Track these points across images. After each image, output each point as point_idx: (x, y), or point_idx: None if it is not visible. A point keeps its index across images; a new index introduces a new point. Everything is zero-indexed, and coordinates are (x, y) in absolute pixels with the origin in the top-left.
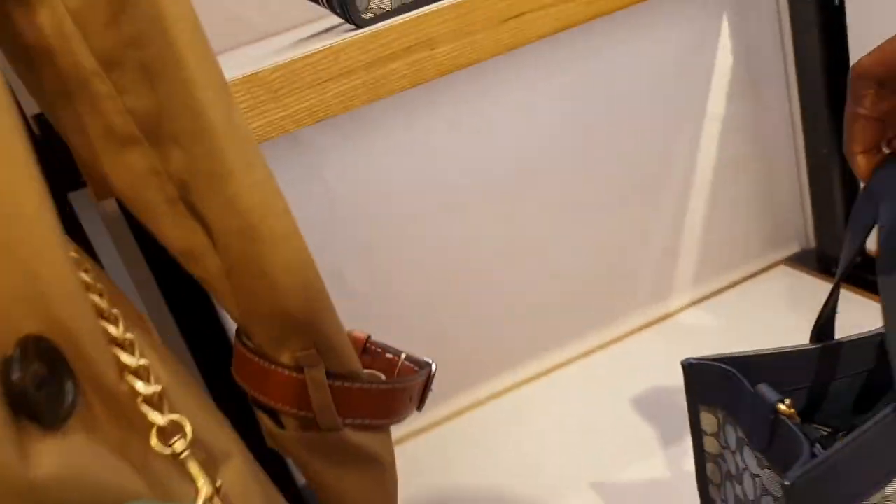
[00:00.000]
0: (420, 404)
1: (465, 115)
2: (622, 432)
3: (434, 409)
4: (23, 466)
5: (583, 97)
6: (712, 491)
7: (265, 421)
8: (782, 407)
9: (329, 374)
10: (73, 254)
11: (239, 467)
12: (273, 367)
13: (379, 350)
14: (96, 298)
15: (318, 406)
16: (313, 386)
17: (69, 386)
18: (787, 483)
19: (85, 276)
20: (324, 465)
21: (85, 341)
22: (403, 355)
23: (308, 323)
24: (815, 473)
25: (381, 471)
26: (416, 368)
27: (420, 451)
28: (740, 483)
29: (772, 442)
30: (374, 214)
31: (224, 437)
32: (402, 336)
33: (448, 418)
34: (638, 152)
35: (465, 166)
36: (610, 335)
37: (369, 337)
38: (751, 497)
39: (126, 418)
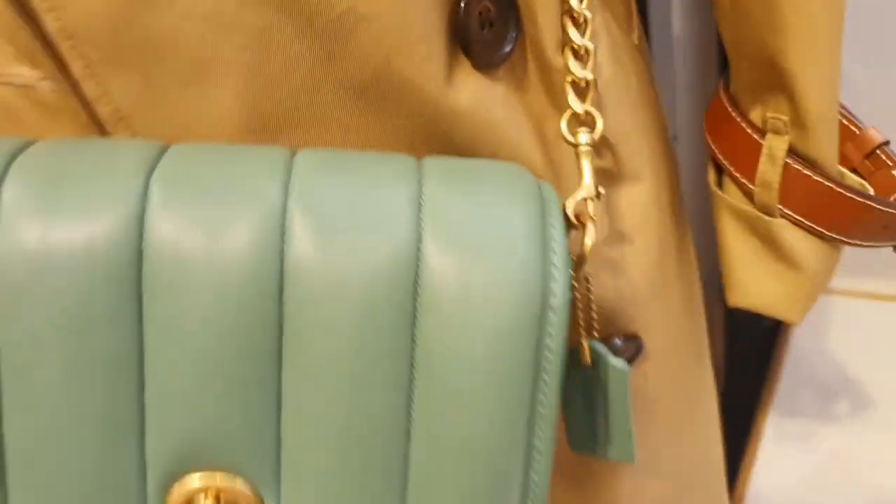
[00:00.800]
0: None
1: None
2: None
3: None
4: (445, 88)
5: None
6: None
7: (710, 169)
8: None
9: (792, 152)
10: None
11: (641, 196)
12: (737, 117)
13: (891, 163)
14: None
15: (760, 179)
16: (766, 156)
17: (510, 37)
18: None
19: None
20: (739, 241)
21: (539, 4)
22: None
23: (790, 84)
24: None
25: (797, 282)
26: None
27: None
28: None
29: None
30: None
31: (644, 159)
32: None
33: None
34: None
35: None
36: None
37: (886, 143)
38: None
39: (548, 91)
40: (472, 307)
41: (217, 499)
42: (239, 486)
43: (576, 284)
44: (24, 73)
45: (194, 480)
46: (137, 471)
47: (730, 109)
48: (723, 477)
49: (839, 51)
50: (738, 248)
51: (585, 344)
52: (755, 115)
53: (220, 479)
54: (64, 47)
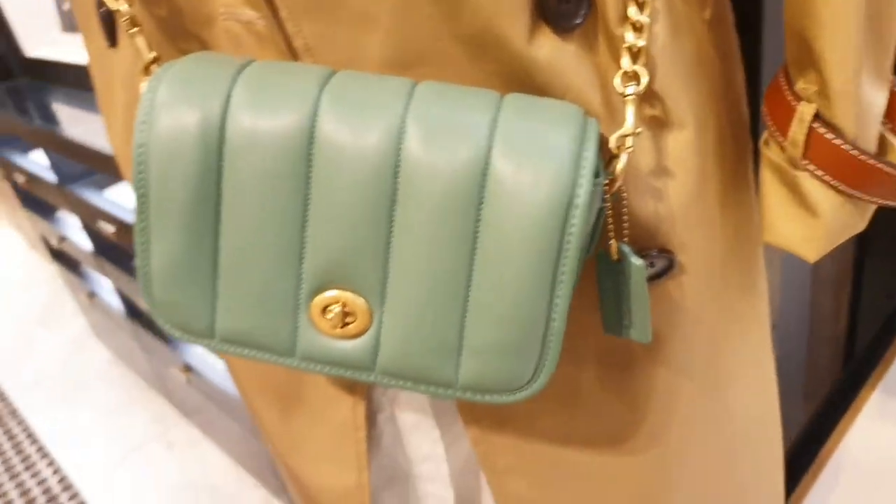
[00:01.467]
0: None
1: None
2: None
3: None
4: (528, 45)
5: None
6: None
7: (764, 131)
8: None
9: (818, 118)
10: None
11: (684, 140)
12: (784, 86)
13: None
14: None
15: (791, 138)
16: (797, 119)
17: (582, 12)
18: None
19: None
20: (773, 189)
21: None
22: None
23: (818, 62)
24: None
25: (814, 226)
26: None
27: None
28: None
29: None
30: None
31: (689, 111)
32: None
33: None
34: None
35: None
36: None
37: None
38: None
39: (611, 53)
40: (520, 196)
41: (343, 307)
42: (358, 301)
43: (608, 197)
44: (248, 13)
45: (330, 294)
46: (295, 281)
47: (781, 80)
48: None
49: (860, 37)
50: (772, 195)
51: (614, 244)
52: (798, 86)
53: (346, 295)
54: (277, 2)
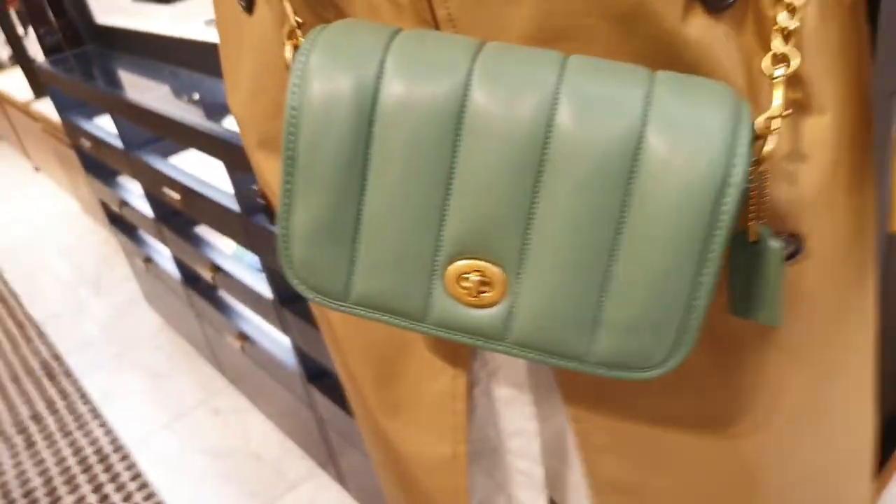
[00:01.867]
0: None
1: None
2: None
3: None
4: (681, 24)
5: None
6: None
7: None
8: None
9: None
10: None
11: (823, 125)
12: None
13: None
14: None
15: None
16: None
17: None
18: None
19: None
20: None
21: None
22: None
23: None
24: None
25: None
26: None
27: None
28: None
29: None
30: None
31: (830, 96)
32: None
33: None
34: None
35: None
36: None
37: None
38: None
39: (760, 34)
40: (674, 173)
41: (481, 276)
42: (496, 270)
43: (752, 178)
44: None
45: (467, 262)
46: (434, 247)
47: None
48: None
49: None
50: None
51: (754, 225)
52: None
53: (484, 264)
54: None
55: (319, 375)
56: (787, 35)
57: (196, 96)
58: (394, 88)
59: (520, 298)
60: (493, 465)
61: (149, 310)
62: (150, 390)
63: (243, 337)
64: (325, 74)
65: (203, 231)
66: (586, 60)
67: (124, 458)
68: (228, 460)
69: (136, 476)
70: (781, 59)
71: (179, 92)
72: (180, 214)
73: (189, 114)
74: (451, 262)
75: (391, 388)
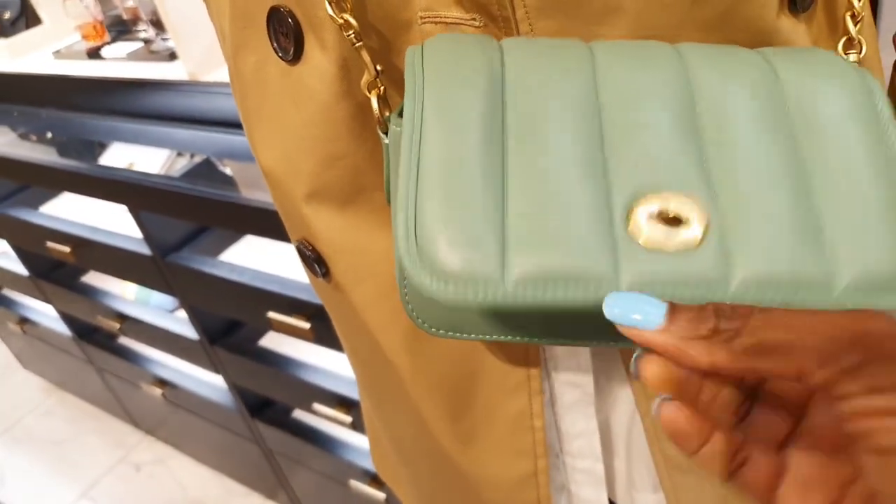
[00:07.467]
0: None
1: None
2: None
3: None
4: (776, 22)
5: None
6: None
7: None
8: None
9: None
10: None
11: None
12: None
13: None
14: None
15: None
16: None
17: None
18: None
19: None
20: None
21: None
22: None
23: None
24: None
25: None
26: None
27: None
28: None
29: None
30: None
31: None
32: None
33: None
34: None
35: None
36: None
37: None
38: None
39: (829, 25)
40: (822, 95)
41: (669, 209)
42: (687, 201)
43: None
44: (456, 14)
45: (649, 199)
46: (605, 195)
47: None
48: None
49: None
50: None
51: None
52: None
53: (666, 194)
54: (516, 1)
55: (260, 408)
56: (857, 21)
57: (49, 135)
58: (524, 81)
59: (729, 229)
60: (553, 469)
61: (29, 375)
62: (52, 461)
63: (162, 383)
64: (447, 87)
65: (92, 280)
66: (698, 46)
67: None
68: None
69: None
70: (853, 44)
71: (28, 133)
72: (62, 267)
73: (56, 157)
74: (631, 207)
75: (466, 418)
